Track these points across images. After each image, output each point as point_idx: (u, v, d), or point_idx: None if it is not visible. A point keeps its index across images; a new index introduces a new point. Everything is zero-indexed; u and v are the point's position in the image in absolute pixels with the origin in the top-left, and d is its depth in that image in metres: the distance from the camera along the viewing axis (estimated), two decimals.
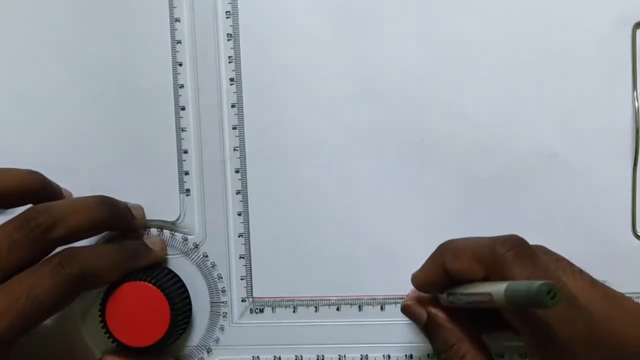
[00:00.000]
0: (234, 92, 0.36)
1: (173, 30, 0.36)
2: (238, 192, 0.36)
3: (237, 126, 0.36)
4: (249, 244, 0.36)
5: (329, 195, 0.36)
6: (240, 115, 0.36)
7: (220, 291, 0.37)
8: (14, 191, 0.32)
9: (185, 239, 0.37)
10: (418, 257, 0.35)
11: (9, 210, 0.34)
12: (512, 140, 0.35)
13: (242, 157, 0.36)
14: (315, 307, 0.36)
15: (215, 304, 0.37)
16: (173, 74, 0.36)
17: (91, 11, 0.36)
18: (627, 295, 0.35)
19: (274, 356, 0.36)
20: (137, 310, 0.33)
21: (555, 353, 0.26)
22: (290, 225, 0.36)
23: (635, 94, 0.34)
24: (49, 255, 0.31)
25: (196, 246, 0.37)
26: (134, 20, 0.36)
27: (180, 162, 0.36)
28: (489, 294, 0.26)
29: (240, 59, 0.36)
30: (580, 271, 0.30)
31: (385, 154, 0.36)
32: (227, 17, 0.36)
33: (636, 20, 0.34)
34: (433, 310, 0.32)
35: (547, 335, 0.26)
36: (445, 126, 0.35)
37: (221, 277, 0.37)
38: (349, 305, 0.36)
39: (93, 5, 0.36)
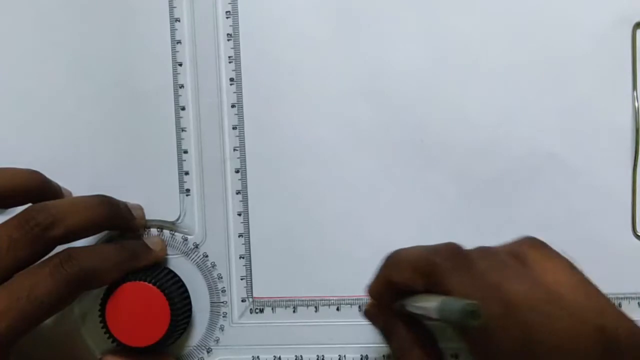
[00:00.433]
0: (234, 92, 0.36)
1: (173, 30, 0.36)
2: (238, 192, 0.36)
3: (237, 126, 0.36)
4: (249, 244, 0.36)
5: (329, 195, 0.36)
6: (240, 115, 0.36)
7: (220, 291, 0.37)
8: (14, 190, 0.32)
9: (185, 239, 0.37)
10: None
11: (8, 210, 0.34)
12: (512, 140, 0.35)
13: (242, 157, 0.36)
14: (315, 307, 0.36)
15: (215, 304, 0.37)
16: (173, 74, 0.36)
17: (91, 11, 0.36)
18: (627, 295, 0.35)
19: (274, 356, 0.36)
20: (137, 310, 0.33)
21: (493, 358, 0.26)
22: (290, 225, 0.36)
23: (635, 94, 0.34)
24: (49, 255, 0.31)
25: (196, 246, 0.37)
26: (134, 20, 0.36)
27: (180, 162, 0.36)
28: (429, 309, 0.26)
29: (240, 59, 0.36)
30: (526, 273, 0.28)
31: (385, 153, 0.36)
32: (227, 17, 0.36)
33: (636, 20, 0.34)
34: (389, 316, 0.31)
35: (485, 344, 0.26)
36: (445, 126, 0.35)
37: (221, 277, 0.37)
38: (349, 305, 0.36)
39: (93, 5, 0.36)
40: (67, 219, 0.31)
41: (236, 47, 0.36)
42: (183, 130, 0.36)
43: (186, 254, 0.37)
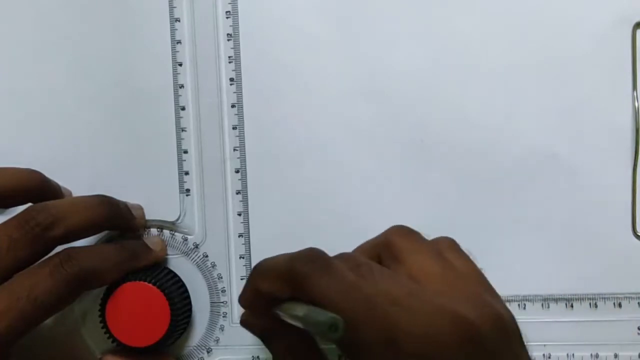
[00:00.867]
0: (234, 92, 0.36)
1: (173, 30, 0.36)
2: (238, 192, 0.36)
3: (237, 126, 0.36)
4: (249, 244, 0.36)
5: (329, 195, 0.36)
6: (240, 115, 0.36)
7: (220, 291, 0.37)
8: (14, 190, 0.32)
9: (185, 239, 0.37)
10: None
11: (8, 210, 0.34)
12: (512, 140, 0.35)
13: (242, 157, 0.36)
14: None
15: (215, 304, 0.37)
16: (173, 74, 0.36)
17: (91, 11, 0.36)
18: (627, 295, 0.35)
19: None
20: (137, 310, 0.33)
21: (362, 357, 0.26)
22: (290, 225, 0.36)
23: (635, 94, 0.34)
24: (49, 255, 0.31)
25: (196, 246, 0.37)
26: (134, 20, 0.36)
27: (180, 162, 0.36)
28: (296, 319, 0.26)
29: (240, 59, 0.36)
30: (385, 270, 0.29)
31: (385, 153, 0.36)
32: (227, 17, 0.36)
33: (636, 20, 0.34)
34: (265, 325, 0.31)
35: (352, 341, 0.26)
36: (445, 126, 0.35)
37: (221, 277, 0.37)
38: None
39: (93, 5, 0.36)
40: (67, 219, 0.31)
41: (236, 47, 0.36)
42: (183, 130, 0.36)
43: (186, 254, 0.37)
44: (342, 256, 0.29)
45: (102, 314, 0.33)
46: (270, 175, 0.36)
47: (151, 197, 0.36)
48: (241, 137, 0.36)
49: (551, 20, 0.34)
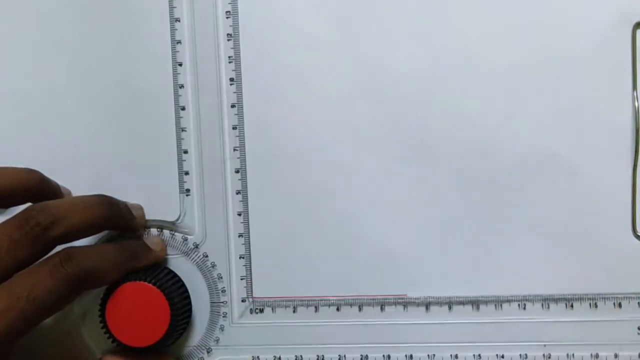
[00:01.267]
0: (234, 92, 0.36)
1: (173, 30, 0.36)
2: (238, 192, 0.36)
3: (237, 126, 0.36)
4: (249, 244, 0.36)
5: (329, 195, 0.36)
6: (240, 115, 0.36)
7: (220, 291, 0.37)
8: (13, 190, 0.32)
9: (185, 239, 0.37)
10: (418, 257, 0.35)
11: (8, 210, 0.34)
12: (512, 140, 0.35)
13: (242, 157, 0.36)
14: (315, 307, 0.36)
15: (215, 304, 0.37)
16: (173, 74, 0.36)
17: (91, 11, 0.36)
18: (627, 295, 0.35)
19: (274, 356, 0.36)
20: (137, 310, 0.33)
21: None
22: (290, 225, 0.36)
23: (635, 94, 0.34)
24: (49, 255, 0.30)
25: (196, 246, 0.37)
26: (134, 20, 0.36)
27: (180, 162, 0.36)
28: None
29: (240, 59, 0.36)
30: None
31: (385, 153, 0.36)
32: (227, 17, 0.36)
33: (636, 20, 0.34)
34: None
35: None
36: (445, 126, 0.35)
37: (221, 277, 0.37)
38: (349, 306, 0.36)
39: (93, 5, 0.36)
40: (67, 218, 0.31)
41: (236, 47, 0.36)
42: (183, 130, 0.36)
43: (186, 254, 0.37)
44: None
45: (102, 314, 0.33)
46: (270, 175, 0.36)
47: (151, 197, 0.36)
48: (241, 137, 0.36)
49: (551, 20, 0.34)
